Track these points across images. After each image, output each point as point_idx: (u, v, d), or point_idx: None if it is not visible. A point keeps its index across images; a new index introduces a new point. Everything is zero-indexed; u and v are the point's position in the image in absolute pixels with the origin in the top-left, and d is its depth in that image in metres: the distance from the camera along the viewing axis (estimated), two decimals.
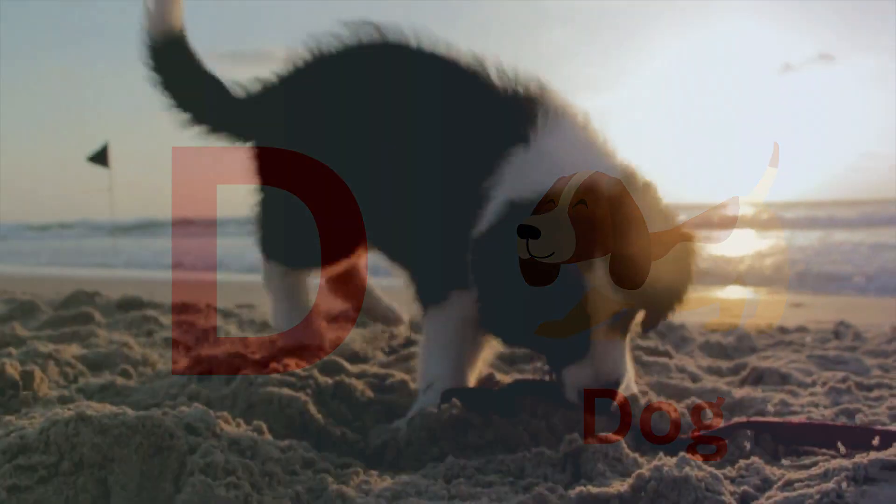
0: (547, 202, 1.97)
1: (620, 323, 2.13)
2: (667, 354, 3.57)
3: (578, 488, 1.75)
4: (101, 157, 20.44)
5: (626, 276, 1.99)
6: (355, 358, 3.30)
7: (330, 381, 2.61)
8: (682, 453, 1.81)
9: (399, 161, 2.58)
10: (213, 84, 3.01)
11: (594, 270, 1.99)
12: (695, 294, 2.34)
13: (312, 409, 2.39)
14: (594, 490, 1.73)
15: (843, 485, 1.65)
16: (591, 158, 2.23)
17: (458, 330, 2.46)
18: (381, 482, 1.89)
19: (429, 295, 2.55)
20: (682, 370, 3.26)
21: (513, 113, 2.39)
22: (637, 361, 3.24)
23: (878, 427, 2.32)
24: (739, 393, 2.88)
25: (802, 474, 1.80)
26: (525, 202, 2.08)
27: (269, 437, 2.05)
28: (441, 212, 2.45)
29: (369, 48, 2.75)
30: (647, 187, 2.23)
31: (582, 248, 1.93)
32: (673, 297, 2.28)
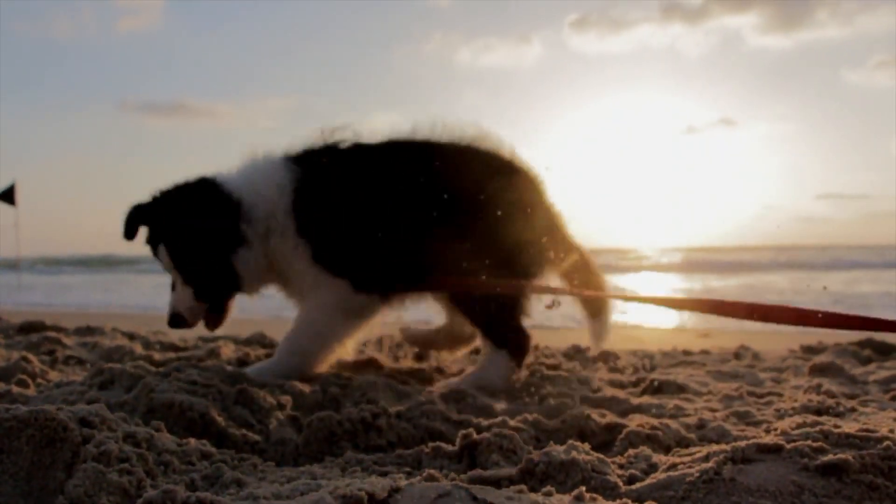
0: None
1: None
2: (569, 370, 3.65)
3: (471, 472, 1.79)
4: (8, 196, 19.97)
5: None
6: None
7: (233, 389, 2.60)
8: (570, 441, 1.87)
9: None
10: None
11: None
12: None
13: (214, 412, 2.37)
14: (486, 473, 1.77)
15: (722, 464, 1.73)
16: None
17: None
18: (278, 471, 1.90)
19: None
20: (583, 382, 3.33)
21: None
22: (537, 375, 3.31)
23: None
24: (637, 400, 2.97)
25: (686, 459, 1.87)
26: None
27: (166, 433, 2.04)
28: None
29: None
30: None
31: None
32: None
